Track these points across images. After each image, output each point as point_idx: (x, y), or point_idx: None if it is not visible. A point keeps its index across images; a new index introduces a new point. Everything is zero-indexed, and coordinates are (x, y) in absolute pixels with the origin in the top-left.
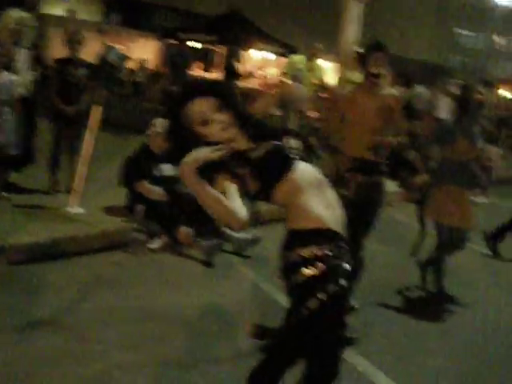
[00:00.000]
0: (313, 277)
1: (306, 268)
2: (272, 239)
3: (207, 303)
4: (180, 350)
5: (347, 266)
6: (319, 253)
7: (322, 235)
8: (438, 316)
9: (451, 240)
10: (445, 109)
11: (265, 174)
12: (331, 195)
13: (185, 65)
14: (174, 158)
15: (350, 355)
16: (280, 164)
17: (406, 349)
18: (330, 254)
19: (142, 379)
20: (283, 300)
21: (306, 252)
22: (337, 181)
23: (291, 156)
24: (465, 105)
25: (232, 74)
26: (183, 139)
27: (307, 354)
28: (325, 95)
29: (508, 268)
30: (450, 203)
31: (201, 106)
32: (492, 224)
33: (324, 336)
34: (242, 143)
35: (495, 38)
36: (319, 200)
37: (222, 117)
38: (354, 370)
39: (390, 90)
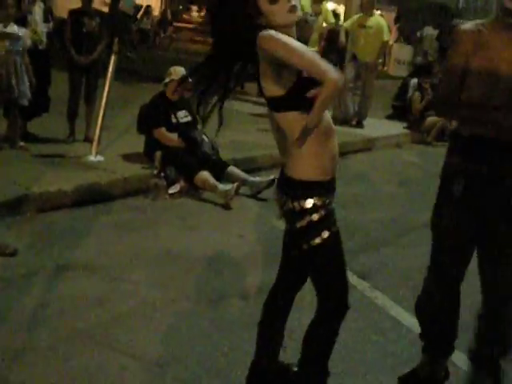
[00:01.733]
0: (311, 222)
1: (306, 216)
2: None
3: (227, 244)
4: (205, 286)
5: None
6: (319, 203)
7: (324, 187)
8: None
9: None
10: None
11: None
12: (336, 142)
13: None
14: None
15: (368, 289)
16: None
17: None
18: (328, 201)
19: (172, 315)
20: None
21: (307, 203)
22: (446, 170)
23: None
24: None
25: None
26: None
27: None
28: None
29: None
30: None
31: None
32: None
33: (328, 264)
34: None
35: None
36: (327, 150)
37: None
38: (372, 303)
39: None
